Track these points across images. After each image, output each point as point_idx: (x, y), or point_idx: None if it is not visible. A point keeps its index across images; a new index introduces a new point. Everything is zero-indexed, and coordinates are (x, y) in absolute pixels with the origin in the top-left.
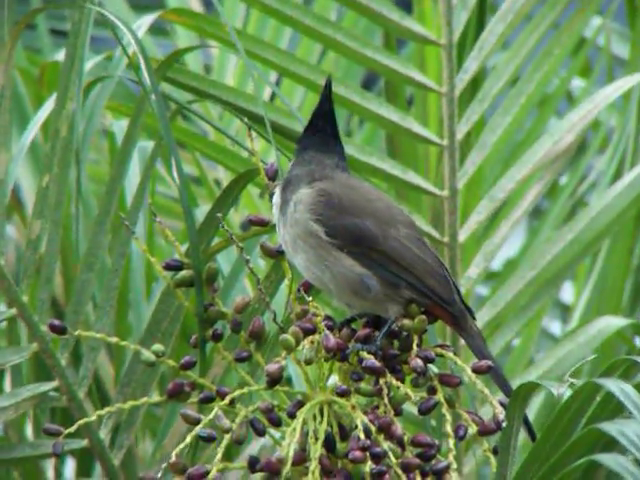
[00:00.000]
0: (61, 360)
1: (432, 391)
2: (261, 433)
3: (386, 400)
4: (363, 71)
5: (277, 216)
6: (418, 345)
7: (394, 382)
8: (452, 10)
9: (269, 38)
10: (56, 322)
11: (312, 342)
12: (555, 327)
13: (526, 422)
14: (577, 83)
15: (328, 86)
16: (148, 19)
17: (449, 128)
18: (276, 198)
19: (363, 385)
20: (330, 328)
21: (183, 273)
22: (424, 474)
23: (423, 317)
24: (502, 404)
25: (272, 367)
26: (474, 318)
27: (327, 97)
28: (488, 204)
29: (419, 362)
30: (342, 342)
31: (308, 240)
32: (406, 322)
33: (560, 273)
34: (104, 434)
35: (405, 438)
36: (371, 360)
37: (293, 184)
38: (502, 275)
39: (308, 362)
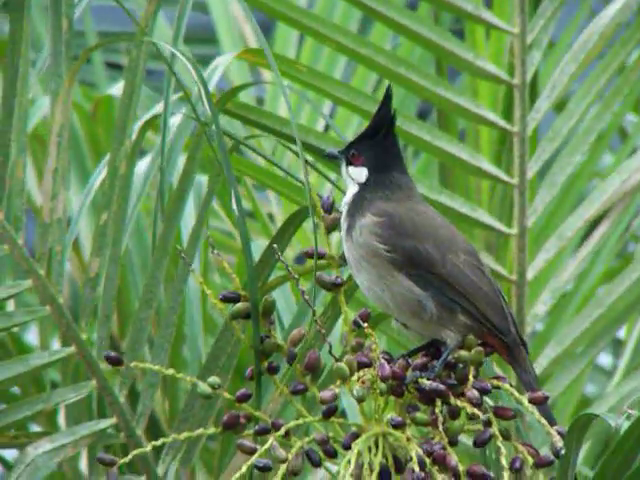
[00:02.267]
0: (120, 397)
1: (487, 424)
2: (317, 464)
3: (442, 430)
4: (418, 102)
5: (344, 237)
6: (474, 376)
7: (454, 403)
8: (526, 50)
9: (323, 67)
10: (112, 354)
11: (363, 382)
12: (605, 361)
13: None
14: (630, 118)
15: (389, 94)
16: (224, 59)
17: (519, 167)
18: (343, 220)
19: (419, 415)
20: (387, 361)
21: (239, 305)
22: None
23: (480, 349)
24: (560, 433)
25: (326, 394)
26: (528, 352)
27: (388, 105)
28: (556, 242)
29: (475, 393)
30: (399, 371)
31: (371, 260)
32: (463, 353)
33: (627, 311)
34: (161, 470)
35: (460, 469)
36: (435, 383)
37: (363, 206)
38: (557, 307)
39: (360, 400)
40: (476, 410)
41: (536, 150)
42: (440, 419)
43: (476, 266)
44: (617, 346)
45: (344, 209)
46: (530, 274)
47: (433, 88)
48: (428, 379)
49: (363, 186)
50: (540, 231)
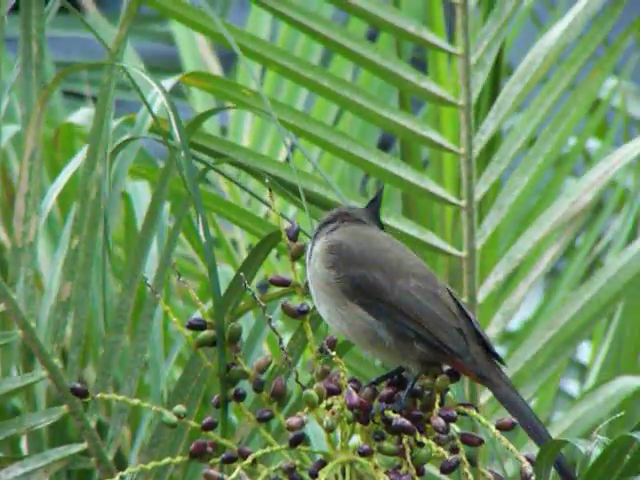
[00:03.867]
0: (90, 422)
1: (454, 450)
2: None
3: (409, 459)
4: (379, 132)
5: (307, 271)
6: (440, 404)
7: (420, 439)
8: (470, 71)
9: (285, 99)
10: (78, 386)
11: (333, 413)
12: (572, 387)
13: (559, 465)
14: (593, 144)
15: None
16: (168, 83)
17: (467, 189)
18: (306, 254)
19: (386, 444)
20: (355, 389)
21: (205, 333)
22: None
23: (445, 376)
24: (529, 459)
25: (293, 421)
26: (504, 364)
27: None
28: (506, 264)
29: (441, 421)
30: (365, 402)
31: (326, 289)
32: (427, 381)
33: (578, 333)
34: None
35: None
36: (401, 419)
37: (318, 237)
38: (519, 335)
39: (330, 430)
40: (441, 436)
41: (484, 172)
42: (407, 449)
43: (429, 290)
44: (583, 372)
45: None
46: (480, 296)
47: (390, 116)
48: (395, 411)
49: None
50: (489, 253)
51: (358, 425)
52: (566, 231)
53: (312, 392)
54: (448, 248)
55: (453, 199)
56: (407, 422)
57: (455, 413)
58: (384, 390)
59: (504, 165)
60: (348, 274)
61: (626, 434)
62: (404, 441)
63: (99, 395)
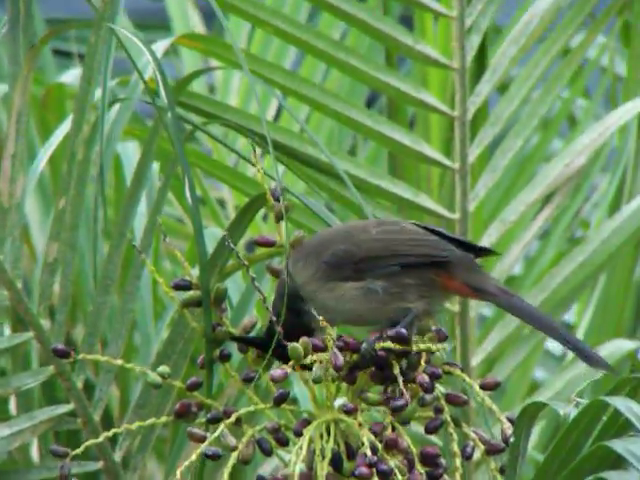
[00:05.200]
0: (77, 383)
1: (439, 410)
2: (268, 453)
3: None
4: (367, 91)
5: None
6: (426, 362)
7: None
8: (465, 34)
9: (273, 58)
10: (59, 346)
11: (320, 362)
12: (557, 346)
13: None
14: (579, 103)
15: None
16: (161, 45)
17: (461, 151)
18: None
19: (371, 395)
20: (340, 349)
21: (191, 293)
22: None
23: (433, 335)
24: (510, 420)
25: (277, 373)
26: (496, 252)
27: None
28: (499, 226)
29: (426, 378)
30: (355, 342)
31: (314, 286)
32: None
33: (570, 295)
34: (118, 457)
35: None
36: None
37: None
38: None
39: (317, 381)
40: (426, 396)
41: (478, 134)
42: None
43: (393, 229)
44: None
45: None
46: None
47: (379, 75)
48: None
49: None
50: (485, 216)
51: (343, 385)
52: (559, 193)
53: (297, 345)
54: (441, 210)
55: (447, 162)
56: (404, 331)
57: (440, 371)
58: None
59: (498, 127)
60: (322, 261)
61: (600, 398)
62: (389, 390)
63: (82, 356)
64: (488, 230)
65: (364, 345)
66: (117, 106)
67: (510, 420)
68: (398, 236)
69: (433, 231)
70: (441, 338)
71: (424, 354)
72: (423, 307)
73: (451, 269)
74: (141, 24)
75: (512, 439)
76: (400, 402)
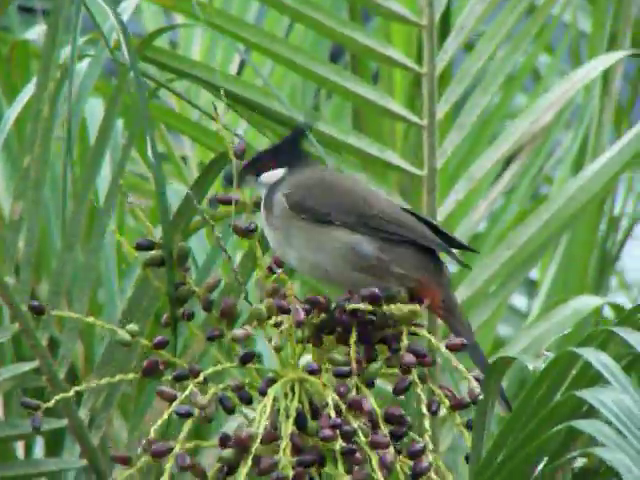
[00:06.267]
0: (42, 340)
1: (406, 370)
2: (230, 411)
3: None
4: (330, 45)
5: (265, 226)
6: (400, 332)
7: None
8: None
9: (236, 12)
10: (36, 303)
11: (282, 332)
12: (521, 302)
13: (502, 394)
14: (542, 60)
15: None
16: (131, 3)
17: (429, 108)
18: (262, 205)
19: (336, 355)
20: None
21: (153, 253)
22: (398, 452)
23: (413, 307)
24: (477, 379)
25: (238, 332)
26: (464, 266)
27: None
28: (466, 183)
29: (411, 357)
30: (324, 301)
31: (300, 223)
32: (394, 309)
33: (535, 253)
34: (83, 414)
35: (377, 412)
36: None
37: (282, 185)
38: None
39: (277, 350)
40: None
41: (445, 91)
42: (355, 360)
43: (397, 205)
44: (531, 287)
45: (263, 204)
46: (440, 216)
47: (344, 30)
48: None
49: (281, 178)
50: (451, 173)
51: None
52: (525, 150)
53: (261, 307)
54: (408, 167)
55: (414, 118)
56: (377, 291)
57: (423, 349)
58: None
59: (465, 84)
60: (327, 201)
61: (570, 349)
62: (352, 353)
63: (54, 312)
64: (455, 187)
65: (333, 305)
66: (85, 63)
67: (477, 379)
68: (405, 213)
69: (422, 219)
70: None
71: (405, 330)
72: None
73: (437, 280)
74: None
75: (480, 397)
76: (345, 369)
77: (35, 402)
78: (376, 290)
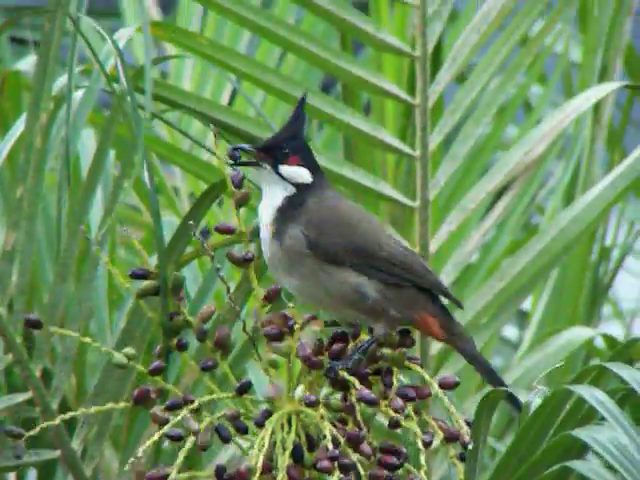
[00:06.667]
0: (35, 371)
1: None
2: (227, 440)
3: (358, 416)
4: (322, 75)
5: (268, 240)
6: (392, 371)
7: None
8: (426, 22)
9: (227, 42)
10: (32, 315)
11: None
12: (512, 333)
13: (510, 398)
14: (535, 90)
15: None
16: (126, 32)
17: (422, 139)
18: (270, 221)
19: (333, 400)
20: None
21: (147, 282)
22: None
23: (403, 349)
24: (467, 422)
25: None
26: (462, 307)
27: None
28: (459, 214)
29: (400, 402)
30: (318, 360)
31: (305, 258)
32: (387, 351)
33: (529, 284)
34: (76, 445)
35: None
36: (367, 392)
37: (300, 210)
38: (462, 281)
39: (271, 400)
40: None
41: (438, 122)
42: (356, 407)
43: (404, 247)
44: (523, 318)
45: (272, 211)
46: (433, 246)
47: (336, 61)
48: (347, 369)
49: (304, 187)
50: (443, 204)
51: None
52: (518, 181)
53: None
54: (401, 198)
55: (408, 149)
56: (372, 395)
57: (413, 393)
58: (335, 346)
59: (458, 115)
60: (334, 241)
61: (564, 386)
62: (351, 399)
63: (53, 329)
64: (448, 218)
65: (326, 365)
66: (79, 95)
67: (467, 423)
68: (411, 256)
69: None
70: (407, 344)
71: (396, 370)
72: (387, 333)
73: (435, 311)
74: (90, 10)
75: (470, 446)
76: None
77: (18, 430)
78: (371, 395)
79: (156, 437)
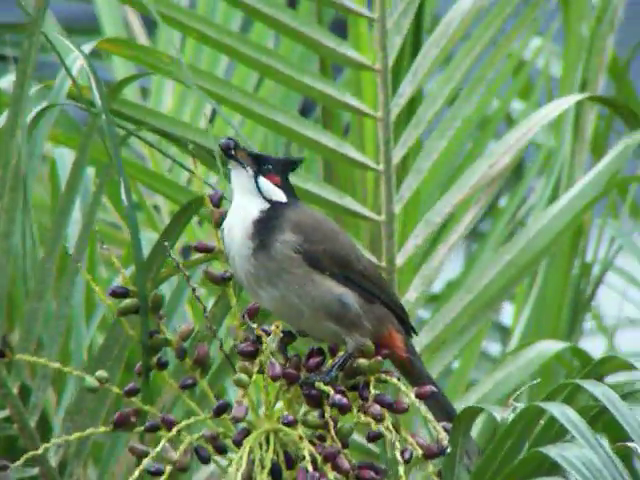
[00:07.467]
0: (13, 388)
1: (379, 419)
2: (206, 461)
3: (333, 433)
4: (300, 98)
5: (248, 255)
6: (368, 383)
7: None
8: (386, 35)
9: (205, 66)
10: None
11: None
12: (494, 349)
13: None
14: (517, 105)
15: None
16: (86, 48)
17: (385, 153)
18: (248, 236)
19: (310, 417)
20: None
21: (128, 301)
22: None
23: (379, 358)
24: (446, 429)
25: (238, 411)
26: (417, 334)
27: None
28: (425, 228)
29: (377, 408)
30: (294, 373)
31: (291, 267)
32: (362, 361)
33: (498, 295)
34: (55, 462)
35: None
36: (339, 396)
37: (280, 223)
38: (443, 298)
39: (237, 420)
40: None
41: (401, 136)
42: (331, 423)
43: (371, 262)
44: (504, 333)
45: (248, 224)
46: (399, 260)
47: (301, 78)
48: (324, 383)
49: (277, 204)
50: (409, 217)
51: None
52: (485, 193)
53: (242, 376)
54: (367, 212)
55: (372, 164)
56: (345, 400)
57: (390, 399)
58: (311, 360)
59: (421, 129)
60: (320, 248)
61: (535, 404)
62: (326, 415)
63: (18, 356)
64: (414, 232)
65: (302, 379)
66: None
67: (446, 430)
68: (381, 276)
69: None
70: (383, 354)
71: (372, 379)
72: (360, 346)
73: (399, 329)
74: (71, 28)
75: (448, 450)
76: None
77: (3, 462)
78: (343, 400)
79: (137, 474)
